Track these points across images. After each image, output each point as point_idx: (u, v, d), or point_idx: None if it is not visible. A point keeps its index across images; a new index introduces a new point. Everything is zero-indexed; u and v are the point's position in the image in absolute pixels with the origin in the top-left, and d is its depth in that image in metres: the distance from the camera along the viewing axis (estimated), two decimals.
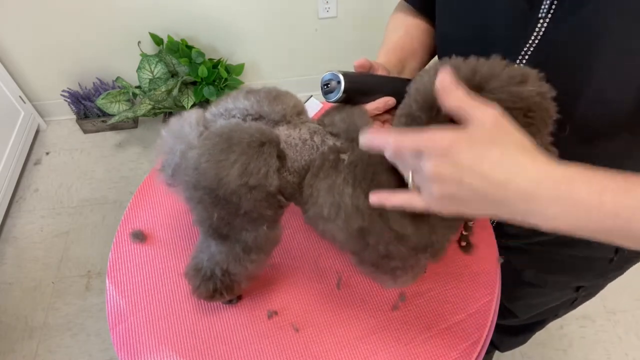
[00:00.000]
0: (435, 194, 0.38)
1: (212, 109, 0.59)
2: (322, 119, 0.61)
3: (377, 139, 0.42)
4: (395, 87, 0.63)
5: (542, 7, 0.53)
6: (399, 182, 0.48)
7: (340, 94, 0.60)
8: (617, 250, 0.73)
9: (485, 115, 0.36)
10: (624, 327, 1.50)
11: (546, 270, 0.84)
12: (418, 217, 0.49)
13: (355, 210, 0.50)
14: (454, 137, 0.36)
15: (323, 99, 0.64)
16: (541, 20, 0.54)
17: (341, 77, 0.60)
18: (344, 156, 0.53)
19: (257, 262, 0.63)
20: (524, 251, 0.83)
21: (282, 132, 0.56)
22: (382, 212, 0.50)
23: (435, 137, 0.37)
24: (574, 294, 0.87)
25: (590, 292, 0.87)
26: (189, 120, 0.57)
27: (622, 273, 0.80)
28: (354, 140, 0.54)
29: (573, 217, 0.35)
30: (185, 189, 0.55)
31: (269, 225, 0.58)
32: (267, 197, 0.54)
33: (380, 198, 0.45)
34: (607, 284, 0.85)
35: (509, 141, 0.36)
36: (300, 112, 0.60)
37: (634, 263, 0.77)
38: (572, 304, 0.92)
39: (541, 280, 0.86)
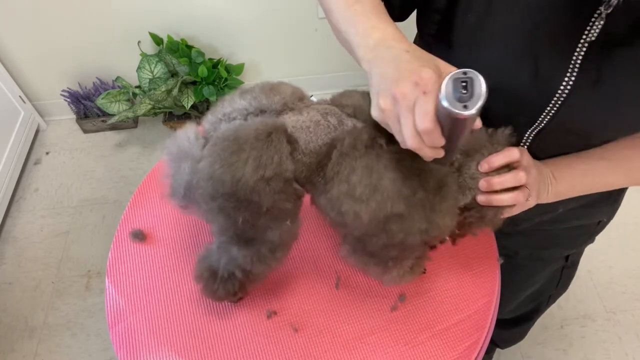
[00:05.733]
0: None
1: (209, 117, 0.58)
2: (339, 99, 0.59)
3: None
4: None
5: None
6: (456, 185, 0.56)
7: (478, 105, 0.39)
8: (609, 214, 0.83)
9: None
10: (624, 327, 1.50)
11: (541, 247, 0.88)
12: (455, 212, 0.54)
13: (397, 195, 0.50)
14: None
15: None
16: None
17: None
18: (381, 141, 0.53)
19: (280, 259, 0.63)
20: (519, 234, 0.85)
21: (288, 118, 0.55)
22: (427, 204, 0.51)
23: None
24: (563, 262, 0.93)
25: (573, 260, 0.94)
26: (186, 137, 0.56)
27: (598, 233, 0.91)
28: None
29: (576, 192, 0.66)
30: (203, 203, 0.55)
31: (292, 219, 0.58)
32: (285, 187, 0.54)
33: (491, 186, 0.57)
34: (585, 248, 0.95)
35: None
36: (302, 97, 0.59)
37: (608, 223, 0.88)
38: (559, 282, 0.97)
39: (536, 258, 0.90)
